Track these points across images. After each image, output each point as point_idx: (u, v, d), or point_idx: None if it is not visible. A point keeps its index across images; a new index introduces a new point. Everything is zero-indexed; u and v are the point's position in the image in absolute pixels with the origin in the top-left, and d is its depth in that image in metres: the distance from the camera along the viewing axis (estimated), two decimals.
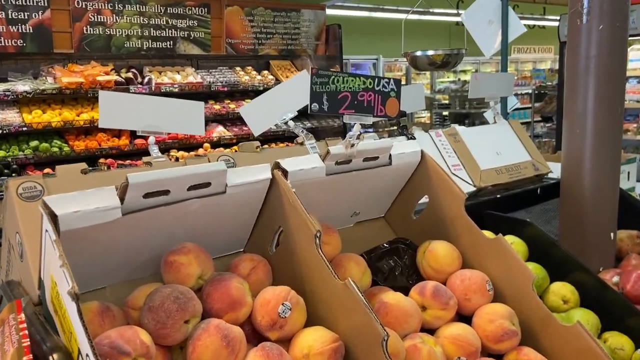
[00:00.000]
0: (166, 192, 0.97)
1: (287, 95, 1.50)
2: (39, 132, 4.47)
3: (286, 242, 1.13)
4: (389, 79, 1.17)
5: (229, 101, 5.59)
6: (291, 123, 1.53)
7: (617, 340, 1.37)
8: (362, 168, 1.26)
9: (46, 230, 0.85)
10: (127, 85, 4.86)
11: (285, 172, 1.12)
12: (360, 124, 1.21)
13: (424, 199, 1.43)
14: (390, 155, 1.30)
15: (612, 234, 1.63)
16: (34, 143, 4.42)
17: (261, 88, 5.60)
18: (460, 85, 8.35)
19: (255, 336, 1.02)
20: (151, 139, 1.24)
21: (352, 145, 1.18)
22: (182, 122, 1.29)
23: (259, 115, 1.49)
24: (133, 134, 4.91)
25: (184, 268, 1.00)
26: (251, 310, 1.01)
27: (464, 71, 10.56)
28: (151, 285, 0.99)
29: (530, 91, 8.21)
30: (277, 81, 5.77)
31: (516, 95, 7.76)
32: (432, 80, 9.38)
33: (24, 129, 4.34)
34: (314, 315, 1.05)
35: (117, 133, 4.94)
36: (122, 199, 0.92)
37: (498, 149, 1.89)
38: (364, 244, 1.38)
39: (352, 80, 1.12)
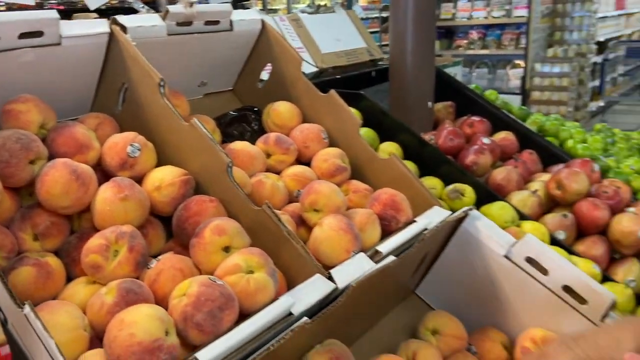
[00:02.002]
0: None
1: None
2: None
3: (131, 98, 1.16)
4: None
5: None
6: None
7: (431, 182, 1.66)
8: (204, 31, 1.31)
9: None
10: None
11: (124, 28, 1.14)
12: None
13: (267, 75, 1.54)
14: (231, 21, 1.37)
15: (429, 103, 1.91)
16: None
17: (104, 7, 5.13)
18: (314, 9, 8.46)
19: (106, 180, 1.06)
20: None
21: (191, 5, 1.22)
22: None
23: None
24: None
25: (23, 115, 0.99)
26: (99, 154, 1.05)
27: None
28: None
29: (378, 15, 8.63)
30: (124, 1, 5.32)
31: (366, 20, 8.11)
32: (288, 5, 9.36)
33: None
34: (164, 161, 1.12)
35: None
36: None
37: (338, 36, 2.05)
38: (213, 113, 1.46)
39: None
